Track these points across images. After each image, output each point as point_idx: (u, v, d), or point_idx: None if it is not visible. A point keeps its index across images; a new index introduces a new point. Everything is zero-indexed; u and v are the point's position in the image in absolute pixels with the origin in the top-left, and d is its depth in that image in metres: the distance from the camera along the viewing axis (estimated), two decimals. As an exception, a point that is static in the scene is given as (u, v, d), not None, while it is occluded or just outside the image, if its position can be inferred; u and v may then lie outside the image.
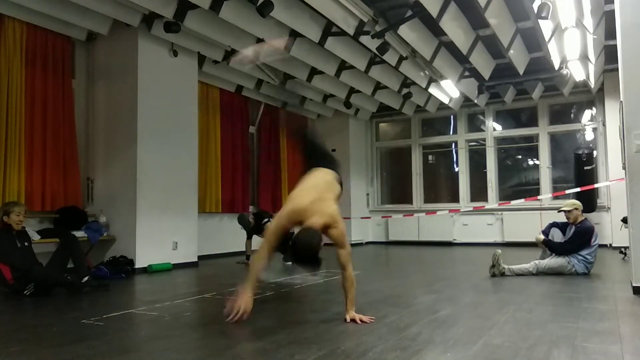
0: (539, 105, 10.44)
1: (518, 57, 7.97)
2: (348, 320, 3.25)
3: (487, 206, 10.31)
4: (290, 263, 7.32)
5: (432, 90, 9.24)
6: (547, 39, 6.88)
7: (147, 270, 6.34)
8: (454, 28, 6.73)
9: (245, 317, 3.23)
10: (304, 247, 3.13)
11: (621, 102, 4.36)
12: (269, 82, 8.67)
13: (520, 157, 11.53)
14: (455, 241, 10.72)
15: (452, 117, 11.45)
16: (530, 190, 10.66)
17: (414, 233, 10.96)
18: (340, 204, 11.25)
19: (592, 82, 8.94)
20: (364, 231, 11.53)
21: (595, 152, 9.46)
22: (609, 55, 7.95)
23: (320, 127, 11.67)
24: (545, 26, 6.46)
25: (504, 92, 9.66)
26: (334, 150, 11.41)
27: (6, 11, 5.60)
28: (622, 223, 6.58)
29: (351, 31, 6.40)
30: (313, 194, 3.42)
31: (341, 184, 3.78)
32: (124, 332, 3.23)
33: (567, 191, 8.71)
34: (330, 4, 5.87)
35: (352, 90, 9.56)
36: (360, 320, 3.22)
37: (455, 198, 11.22)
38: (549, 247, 5.65)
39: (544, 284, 5.01)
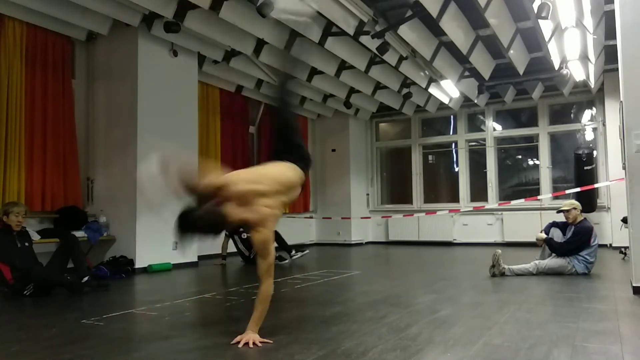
0: (539, 105, 10.43)
1: (518, 57, 7.97)
2: (237, 340, 2.74)
3: (487, 206, 10.31)
4: (286, 261, 7.39)
5: (432, 90, 9.23)
6: (547, 39, 6.88)
7: (147, 270, 6.34)
8: (454, 28, 6.73)
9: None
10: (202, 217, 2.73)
11: (621, 102, 4.36)
12: (269, 82, 8.67)
13: (520, 157, 11.52)
14: (455, 241, 10.72)
15: (452, 117, 11.45)
16: (530, 190, 10.65)
17: (414, 233, 10.96)
18: (340, 204, 11.31)
19: (592, 82, 8.94)
20: (364, 231, 11.53)
21: (595, 152, 9.45)
22: (609, 55, 7.94)
23: (320, 127, 11.69)
24: (545, 26, 6.45)
25: (504, 92, 9.65)
26: (333, 150, 11.49)
27: (6, 11, 5.60)
28: (622, 223, 6.57)
29: (351, 31, 6.39)
30: (260, 182, 2.88)
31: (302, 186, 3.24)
32: (124, 332, 3.23)
33: (567, 191, 8.70)
34: (330, 4, 5.87)
35: (352, 90, 9.56)
36: (253, 344, 2.69)
37: (455, 198, 11.21)
38: (550, 246, 5.64)
39: (544, 284, 5.01)
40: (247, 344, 2.69)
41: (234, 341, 2.74)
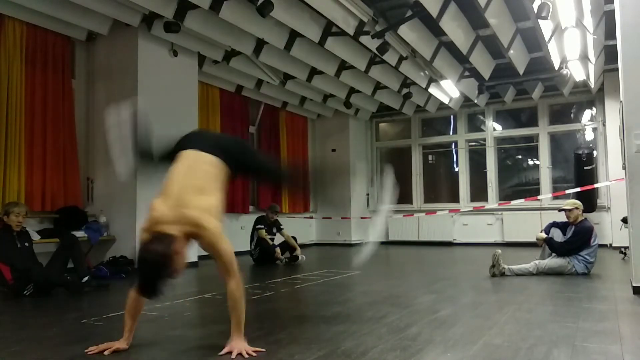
0: (539, 105, 10.44)
1: (518, 57, 7.97)
2: (226, 350, 2.53)
3: (487, 206, 10.31)
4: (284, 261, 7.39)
5: (432, 90, 9.24)
6: (547, 39, 6.88)
7: (147, 270, 6.33)
8: (454, 28, 6.73)
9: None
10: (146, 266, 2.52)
11: (621, 102, 4.36)
12: (268, 82, 8.67)
13: (520, 157, 11.53)
14: (455, 241, 10.72)
15: (452, 117, 11.45)
16: (530, 190, 10.66)
17: (414, 233, 10.96)
18: (340, 204, 11.21)
19: (592, 82, 8.94)
20: (364, 231, 11.52)
21: (595, 152, 9.46)
22: (609, 55, 7.94)
23: (320, 127, 11.69)
24: (545, 26, 6.46)
25: (504, 92, 9.66)
26: (333, 150, 11.49)
27: (6, 11, 5.61)
28: (622, 223, 6.57)
29: (351, 31, 6.40)
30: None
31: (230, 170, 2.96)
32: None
33: (567, 191, 8.70)
34: (330, 4, 5.87)
35: (352, 90, 9.56)
36: (247, 354, 2.48)
37: (455, 198, 11.22)
38: (550, 246, 5.64)
39: (544, 284, 5.01)
40: (240, 354, 2.47)
41: (223, 352, 2.52)
